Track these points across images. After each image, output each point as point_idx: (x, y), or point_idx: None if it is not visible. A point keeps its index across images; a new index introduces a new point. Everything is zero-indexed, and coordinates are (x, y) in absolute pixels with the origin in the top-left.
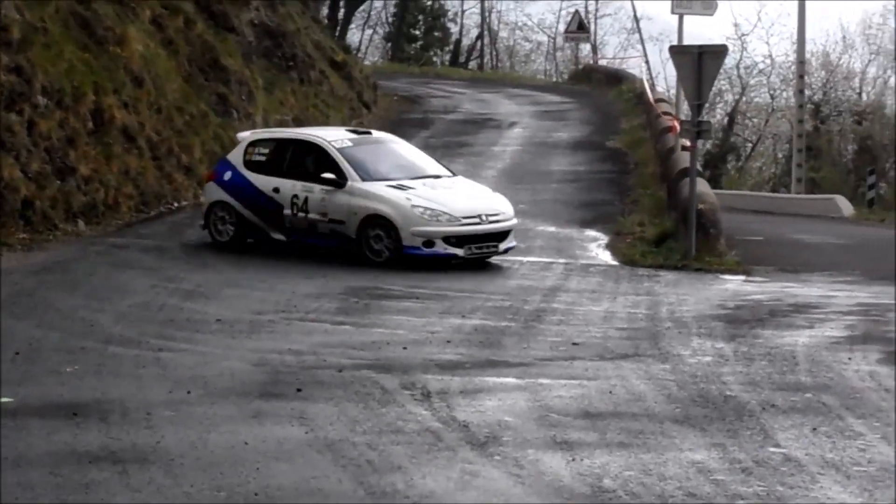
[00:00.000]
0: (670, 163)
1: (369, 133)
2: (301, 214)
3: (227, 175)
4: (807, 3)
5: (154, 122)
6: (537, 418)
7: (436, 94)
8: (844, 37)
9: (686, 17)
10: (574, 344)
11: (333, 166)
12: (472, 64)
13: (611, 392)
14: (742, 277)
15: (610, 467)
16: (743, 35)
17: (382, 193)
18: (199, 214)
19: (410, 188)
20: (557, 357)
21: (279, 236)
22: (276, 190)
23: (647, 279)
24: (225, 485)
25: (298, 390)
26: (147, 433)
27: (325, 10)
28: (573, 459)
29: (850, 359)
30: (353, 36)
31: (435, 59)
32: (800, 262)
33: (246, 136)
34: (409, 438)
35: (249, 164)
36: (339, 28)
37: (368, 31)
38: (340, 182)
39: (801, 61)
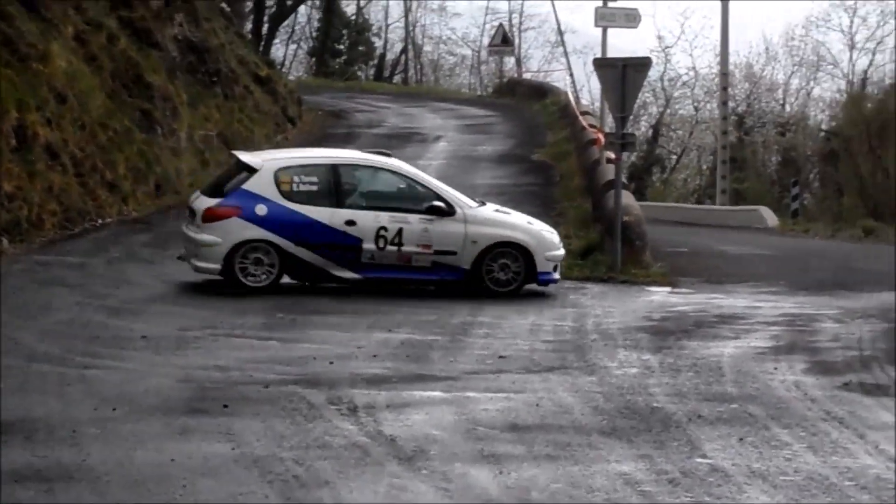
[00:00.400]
0: (595, 175)
1: (389, 155)
2: (391, 248)
3: (262, 209)
4: (730, 15)
5: (78, 139)
6: (464, 432)
7: (361, 109)
8: (767, 49)
9: (610, 30)
10: (501, 357)
11: (429, 193)
12: (397, 78)
13: (538, 405)
14: (668, 289)
15: (537, 480)
16: (667, 47)
17: (506, 219)
18: (127, 235)
19: (510, 212)
20: (484, 370)
21: (348, 274)
22: (351, 223)
23: (573, 291)
24: (152, 502)
25: (225, 406)
26: (73, 451)
27: (248, 26)
28: (500, 473)
29: (775, 369)
30: (278, 51)
31: (359, 73)
32: (725, 273)
33: (258, 161)
34: (337, 453)
35: (292, 195)
36: (263, 43)
37: (293, 46)
38: (450, 210)
39: (724, 73)
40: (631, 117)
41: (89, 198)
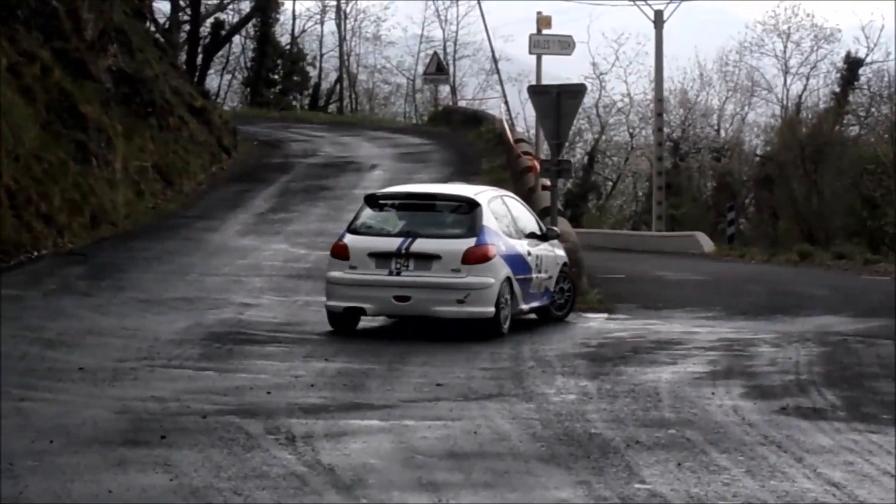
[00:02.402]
0: (532, 202)
1: None
2: (538, 275)
3: (502, 246)
4: (664, 41)
5: (12, 171)
6: (402, 460)
7: (296, 138)
8: (702, 74)
9: (544, 57)
10: (438, 385)
11: (533, 220)
12: (332, 107)
13: (475, 432)
14: (605, 315)
15: None
16: (601, 74)
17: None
18: (62, 267)
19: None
20: (421, 398)
21: (526, 305)
22: (529, 253)
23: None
24: None
25: (162, 437)
26: (9, 483)
27: (183, 56)
28: (439, 501)
29: (713, 394)
30: (212, 81)
31: (294, 102)
32: (661, 298)
33: (484, 192)
34: (275, 483)
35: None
36: (197, 73)
37: (227, 77)
38: (549, 234)
39: (659, 99)
40: (566, 144)
41: (24, 230)
